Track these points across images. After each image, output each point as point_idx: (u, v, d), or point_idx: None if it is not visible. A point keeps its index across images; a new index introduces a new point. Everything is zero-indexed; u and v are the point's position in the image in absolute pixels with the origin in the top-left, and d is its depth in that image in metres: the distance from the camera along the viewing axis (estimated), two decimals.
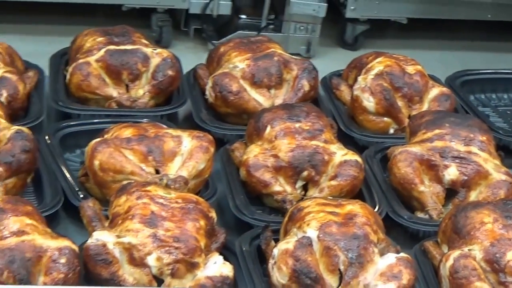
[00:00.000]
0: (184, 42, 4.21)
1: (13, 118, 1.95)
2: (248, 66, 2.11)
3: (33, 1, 3.78)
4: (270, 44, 2.24)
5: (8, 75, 2.01)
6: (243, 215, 1.78)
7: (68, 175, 1.86)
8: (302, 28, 4.35)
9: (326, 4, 4.31)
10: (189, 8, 4.11)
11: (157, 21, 4.13)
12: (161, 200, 1.62)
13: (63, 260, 1.52)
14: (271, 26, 4.30)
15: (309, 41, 4.38)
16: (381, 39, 4.05)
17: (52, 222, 1.70)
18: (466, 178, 1.83)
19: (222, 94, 2.07)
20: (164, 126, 1.91)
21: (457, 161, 1.84)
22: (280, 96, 2.10)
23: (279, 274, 1.59)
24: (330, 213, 1.64)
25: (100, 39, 2.16)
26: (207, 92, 2.14)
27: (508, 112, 2.21)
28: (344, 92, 2.16)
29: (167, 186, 1.72)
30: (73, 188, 1.81)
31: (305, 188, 1.85)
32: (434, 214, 1.82)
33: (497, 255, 1.61)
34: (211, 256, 1.60)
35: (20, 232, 1.54)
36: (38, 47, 2.39)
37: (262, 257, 1.68)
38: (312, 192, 1.83)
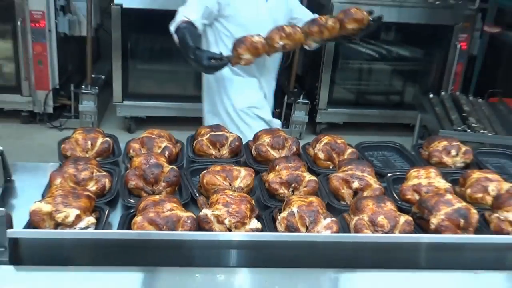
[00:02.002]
0: None
1: (171, 162, 1.92)
2: (270, 140, 2.05)
3: None
4: (280, 131, 2.15)
5: (168, 144, 2.00)
6: (266, 203, 1.76)
7: (192, 187, 1.82)
8: (297, 126, 4.39)
9: (307, 116, 4.32)
10: None
11: None
12: (230, 196, 1.61)
13: (189, 221, 1.51)
14: (284, 126, 4.33)
15: (301, 132, 4.38)
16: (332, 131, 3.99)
17: (187, 207, 1.68)
18: (362, 186, 1.79)
19: (258, 152, 2.03)
20: (234, 166, 1.87)
21: (358, 179, 1.80)
22: (284, 153, 2.03)
23: (280, 228, 1.57)
24: (303, 201, 1.60)
25: (207, 129, 2.10)
26: (252, 151, 2.08)
27: (382, 158, 2.16)
28: (311, 151, 2.09)
29: (234, 191, 1.69)
30: (194, 193, 1.78)
31: (293, 192, 1.79)
32: (349, 202, 1.78)
33: (373, 218, 1.56)
34: (252, 220, 1.57)
35: (170, 209, 1.53)
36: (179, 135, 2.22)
37: (274, 221, 1.63)
38: (296, 193, 1.78)
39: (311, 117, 5.21)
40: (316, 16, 2.65)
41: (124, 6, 4.76)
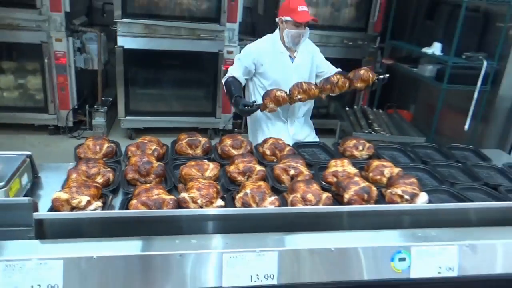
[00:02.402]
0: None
1: (159, 160, 1.87)
2: (231, 143, 2.01)
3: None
4: (238, 136, 2.08)
5: (157, 147, 1.96)
6: (228, 187, 1.73)
7: (174, 177, 1.76)
8: None
9: None
10: None
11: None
12: (202, 183, 1.58)
13: (171, 202, 1.49)
14: (244, 132, 4.18)
15: None
16: None
17: (170, 192, 1.64)
18: (296, 173, 1.76)
19: (222, 151, 1.98)
20: (206, 161, 1.82)
21: (293, 168, 1.77)
22: (241, 151, 1.98)
23: (238, 204, 1.56)
24: (254, 185, 1.60)
25: (185, 136, 2.05)
26: (218, 151, 2.02)
27: (311, 153, 2.11)
28: (260, 149, 2.05)
29: (204, 179, 1.66)
30: (175, 181, 1.74)
31: (247, 178, 1.75)
32: (287, 185, 1.75)
33: (304, 196, 1.56)
34: (218, 199, 1.56)
35: (157, 194, 1.50)
36: (166, 141, 2.11)
37: (233, 200, 1.61)
38: (249, 180, 1.74)
39: None
40: (338, 70, 2.54)
41: (125, 47, 4.72)
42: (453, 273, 1.40)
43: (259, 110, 2.36)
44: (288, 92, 2.31)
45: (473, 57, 4.12)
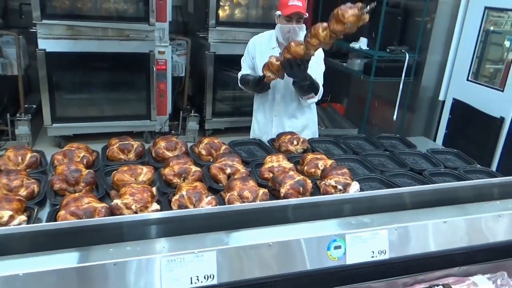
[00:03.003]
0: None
1: (88, 168, 1.79)
2: (165, 145, 1.95)
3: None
4: (173, 138, 2.04)
5: (86, 154, 1.88)
6: (164, 190, 1.70)
7: (106, 184, 1.72)
8: (192, 133, 4.21)
9: (198, 125, 4.10)
10: None
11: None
12: (135, 187, 1.55)
13: (103, 210, 1.44)
14: (181, 133, 4.12)
15: (194, 137, 4.23)
16: (217, 134, 3.82)
17: (103, 200, 1.58)
18: (233, 172, 1.76)
19: (156, 154, 1.93)
20: (139, 165, 1.77)
21: (230, 167, 1.76)
22: (176, 153, 1.94)
23: (174, 207, 1.54)
24: (190, 186, 1.58)
25: (116, 140, 1.98)
26: (152, 154, 1.96)
27: (248, 151, 2.10)
28: (196, 150, 2.01)
29: (138, 184, 1.62)
30: (107, 189, 1.67)
31: (184, 180, 1.72)
32: (224, 184, 1.73)
33: (241, 193, 1.56)
34: (153, 203, 1.53)
35: (88, 203, 1.44)
36: (99, 147, 2.05)
37: (170, 203, 1.58)
38: (186, 181, 1.71)
39: (201, 125, 5.20)
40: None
41: (47, 50, 4.47)
42: (385, 256, 1.47)
43: (264, 81, 2.45)
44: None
45: (396, 50, 4.38)
